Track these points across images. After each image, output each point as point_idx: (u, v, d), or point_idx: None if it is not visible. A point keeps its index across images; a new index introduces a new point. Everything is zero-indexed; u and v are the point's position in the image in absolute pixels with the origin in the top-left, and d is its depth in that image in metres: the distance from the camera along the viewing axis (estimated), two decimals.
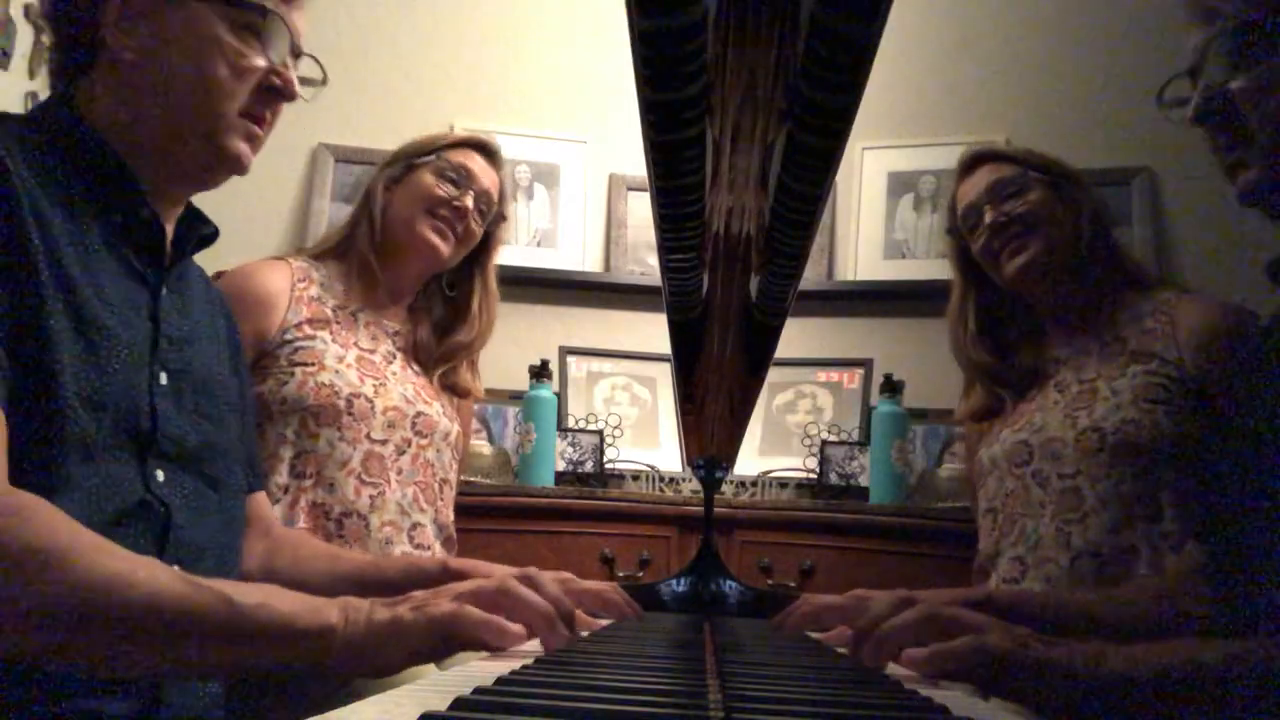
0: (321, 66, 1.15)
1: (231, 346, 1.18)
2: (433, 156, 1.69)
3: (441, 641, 0.79)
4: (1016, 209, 1.60)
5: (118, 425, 0.89)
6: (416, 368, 1.70)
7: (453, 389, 1.75)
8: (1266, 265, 0.99)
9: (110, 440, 0.88)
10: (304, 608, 0.77)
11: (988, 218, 1.62)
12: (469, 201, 1.68)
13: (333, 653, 0.76)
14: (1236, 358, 1.11)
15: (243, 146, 1.03)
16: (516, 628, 0.79)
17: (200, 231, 1.08)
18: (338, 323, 1.61)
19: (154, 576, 0.73)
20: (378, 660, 0.78)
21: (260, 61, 1.02)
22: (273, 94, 1.04)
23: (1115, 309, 1.61)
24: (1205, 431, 1.11)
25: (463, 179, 1.68)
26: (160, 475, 0.93)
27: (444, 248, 1.66)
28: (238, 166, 1.04)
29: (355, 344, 1.62)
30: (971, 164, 1.70)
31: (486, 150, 1.76)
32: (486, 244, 1.76)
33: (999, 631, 0.78)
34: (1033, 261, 1.58)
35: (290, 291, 1.58)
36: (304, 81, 1.10)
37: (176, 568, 0.89)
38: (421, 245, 1.65)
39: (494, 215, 1.74)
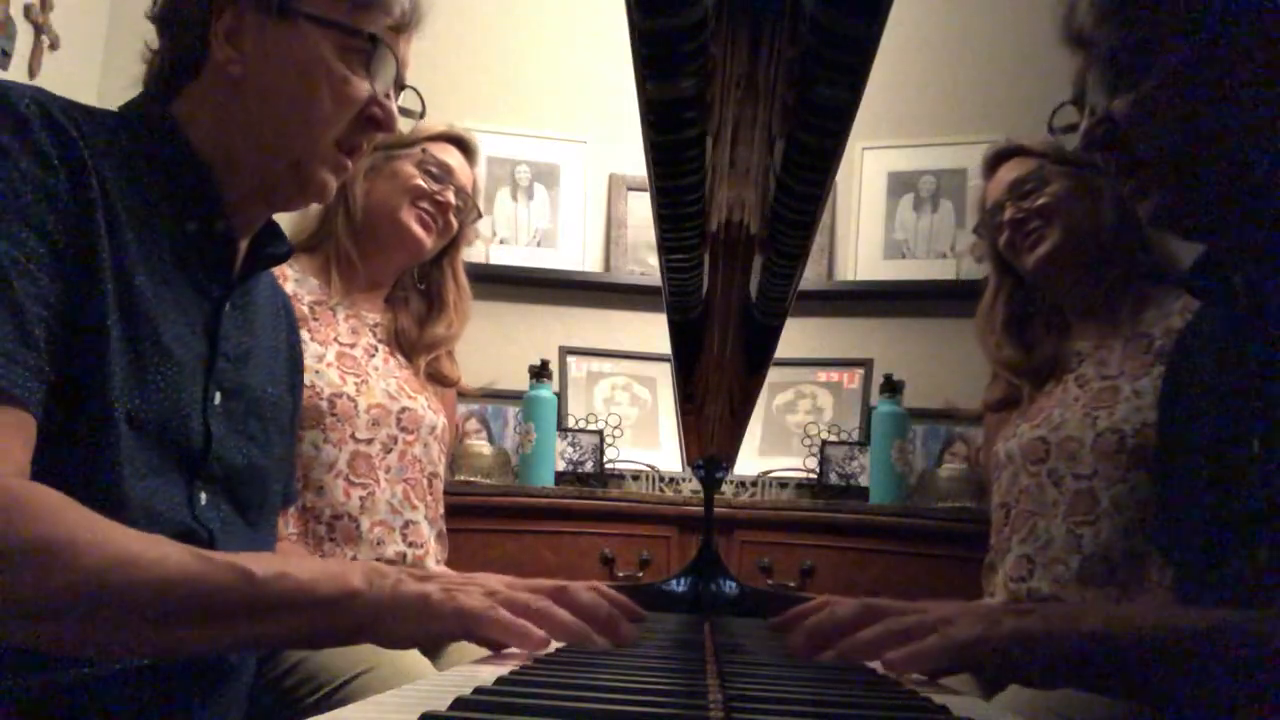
0: (422, 99, 1.11)
1: (292, 360, 1.15)
2: (415, 149, 1.68)
3: (462, 631, 0.78)
4: (1034, 203, 1.61)
5: (164, 445, 0.87)
6: (400, 359, 1.69)
7: (436, 378, 1.75)
8: (1184, 280, 0.98)
9: (158, 462, 0.86)
10: (325, 574, 0.76)
11: (1007, 214, 1.63)
12: (451, 197, 1.68)
13: (356, 617, 0.75)
14: (1173, 369, 1.11)
15: (329, 179, 1.00)
16: (542, 636, 0.78)
17: (273, 250, 1.05)
18: (316, 319, 1.60)
19: (164, 556, 0.72)
20: (396, 631, 0.77)
21: (364, 91, 0.99)
22: (371, 125, 1.01)
23: (1142, 304, 1.60)
24: (1164, 438, 1.11)
25: (444, 174, 1.68)
26: (203, 498, 0.92)
27: (428, 239, 1.66)
28: (321, 196, 1.01)
29: (335, 339, 1.60)
30: (995, 161, 1.72)
31: (464, 146, 1.76)
32: (456, 239, 1.77)
33: (965, 619, 0.77)
34: (1050, 253, 1.59)
35: None
36: (403, 112, 1.07)
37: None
38: (405, 234, 1.64)
39: (469, 208, 1.74)
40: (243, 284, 1.01)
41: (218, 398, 0.95)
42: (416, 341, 1.71)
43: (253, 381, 1.01)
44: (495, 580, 0.88)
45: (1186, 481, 0.99)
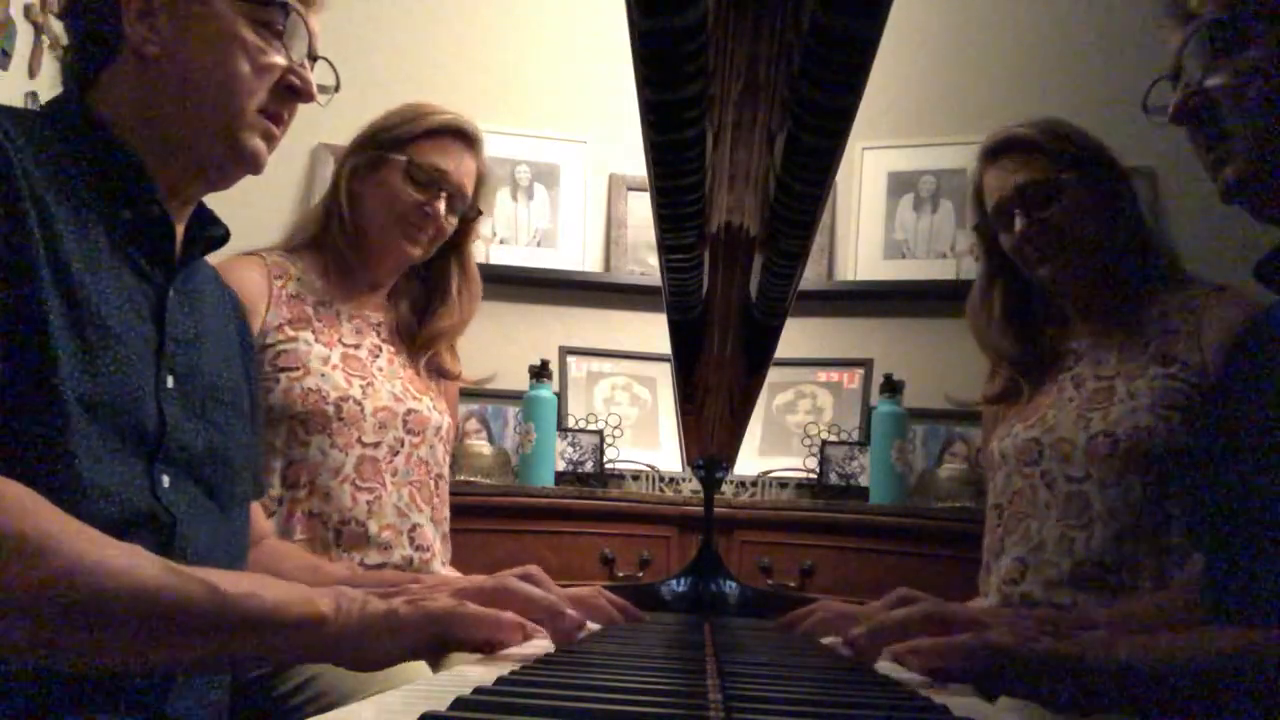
0: (335, 71, 1.14)
1: (243, 350, 1.16)
2: (404, 157, 1.60)
3: (436, 638, 0.78)
4: (1048, 215, 1.53)
5: (120, 429, 0.87)
6: (404, 359, 1.66)
7: (438, 371, 1.72)
8: (1255, 267, 0.98)
9: (114, 445, 0.87)
10: (294, 597, 0.75)
11: (1019, 224, 1.54)
12: (440, 206, 1.60)
13: (323, 642, 0.75)
14: (1235, 361, 1.10)
15: (260, 145, 1.03)
16: (513, 617, 0.78)
17: (210, 233, 1.07)
18: (319, 320, 1.57)
19: (136, 565, 0.71)
20: (369, 653, 0.77)
21: (279, 60, 1.02)
22: (290, 94, 1.04)
23: (1143, 304, 1.55)
24: (1207, 436, 1.10)
25: (433, 180, 1.60)
26: (165, 481, 0.92)
27: (416, 251, 1.61)
28: (254, 165, 1.03)
29: (339, 340, 1.57)
30: (994, 153, 1.61)
31: (465, 137, 1.66)
32: (464, 230, 1.69)
33: (1003, 627, 0.78)
34: (1065, 267, 1.53)
35: (269, 291, 1.53)
36: (319, 89, 1.09)
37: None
38: (393, 248, 1.60)
39: (470, 205, 1.66)
40: (185, 268, 1.03)
41: (170, 381, 0.95)
42: (417, 334, 1.67)
43: (206, 365, 1.02)
44: (465, 580, 0.87)
45: (1233, 472, 0.99)
